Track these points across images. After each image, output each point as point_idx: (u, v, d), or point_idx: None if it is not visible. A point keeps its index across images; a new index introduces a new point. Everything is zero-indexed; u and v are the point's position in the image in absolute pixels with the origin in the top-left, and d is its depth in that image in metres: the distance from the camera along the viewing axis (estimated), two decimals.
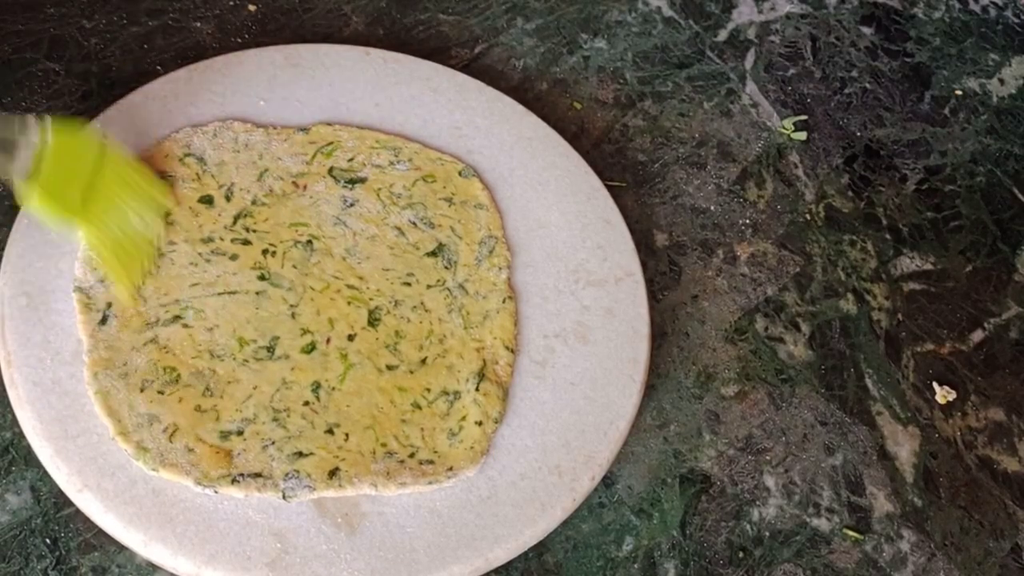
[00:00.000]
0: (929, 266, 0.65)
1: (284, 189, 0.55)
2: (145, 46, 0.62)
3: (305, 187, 0.55)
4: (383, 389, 0.50)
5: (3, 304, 0.48)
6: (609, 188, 0.60)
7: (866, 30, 0.77)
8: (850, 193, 0.67)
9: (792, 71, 0.73)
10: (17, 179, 0.42)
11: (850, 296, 0.62)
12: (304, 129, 0.57)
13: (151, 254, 0.49)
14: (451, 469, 0.48)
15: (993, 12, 0.81)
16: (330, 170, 0.56)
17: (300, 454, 0.47)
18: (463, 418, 0.50)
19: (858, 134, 0.71)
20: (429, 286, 0.54)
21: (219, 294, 0.51)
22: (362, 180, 0.56)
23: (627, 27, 0.72)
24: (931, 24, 0.79)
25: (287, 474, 0.46)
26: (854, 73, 0.74)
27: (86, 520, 0.45)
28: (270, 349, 0.50)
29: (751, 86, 0.71)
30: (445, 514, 0.47)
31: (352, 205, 0.55)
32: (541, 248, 0.57)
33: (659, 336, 0.58)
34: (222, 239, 0.52)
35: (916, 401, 0.59)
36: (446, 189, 0.57)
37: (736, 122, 0.69)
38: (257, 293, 0.51)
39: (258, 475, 0.46)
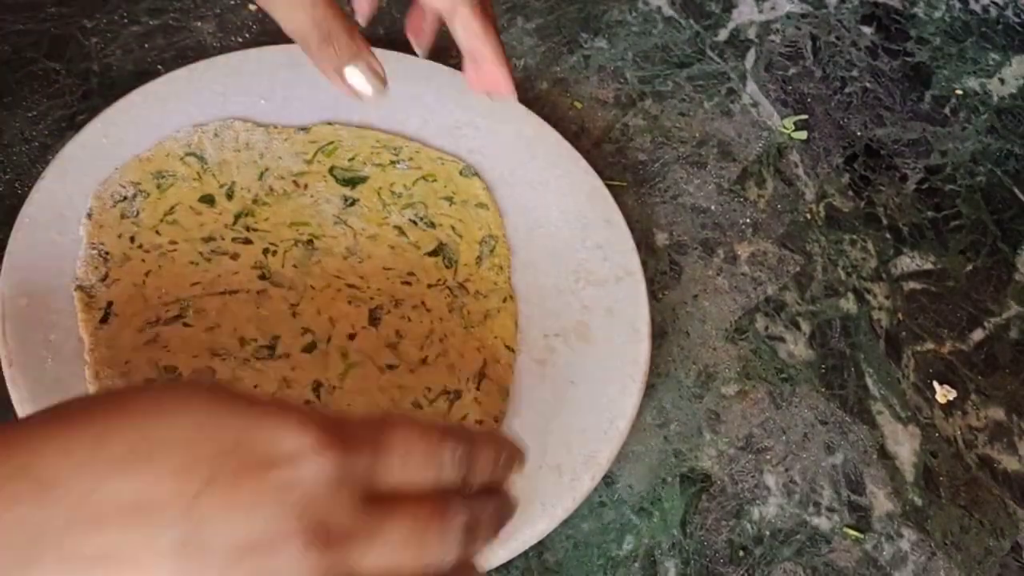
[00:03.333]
0: (929, 266, 0.65)
1: (285, 188, 0.55)
2: (146, 45, 0.62)
3: (306, 186, 0.55)
4: (384, 388, 0.50)
5: (3, 304, 0.48)
6: (609, 187, 0.60)
7: (866, 29, 0.77)
8: (850, 192, 0.67)
9: (792, 71, 0.73)
10: None
11: (850, 295, 0.62)
12: (305, 128, 0.57)
13: None
14: None
15: (993, 12, 0.81)
16: (331, 169, 0.56)
17: None
18: (464, 417, 0.50)
19: (858, 133, 0.71)
20: (430, 285, 0.54)
21: (220, 293, 0.51)
22: (363, 179, 0.56)
23: (627, 26, 0.72)
24: (931, 24, 0.79)
25: None
26: (854, 72, 0.74)
27: None
28: (271, 348, 0.50)
29: (751, 86, 0.71)
30: None
31: (353, 204, 0.55)
32: (541, 248, 0.57)
33: (659, 335, 0.58)
34: (223, 238, 0.52)
35: (916, 400, 0.59)
36: (446, 188, 0.57)
37: (736, 121, 0.69)
38: (258, 292, 0.51)
39: None
